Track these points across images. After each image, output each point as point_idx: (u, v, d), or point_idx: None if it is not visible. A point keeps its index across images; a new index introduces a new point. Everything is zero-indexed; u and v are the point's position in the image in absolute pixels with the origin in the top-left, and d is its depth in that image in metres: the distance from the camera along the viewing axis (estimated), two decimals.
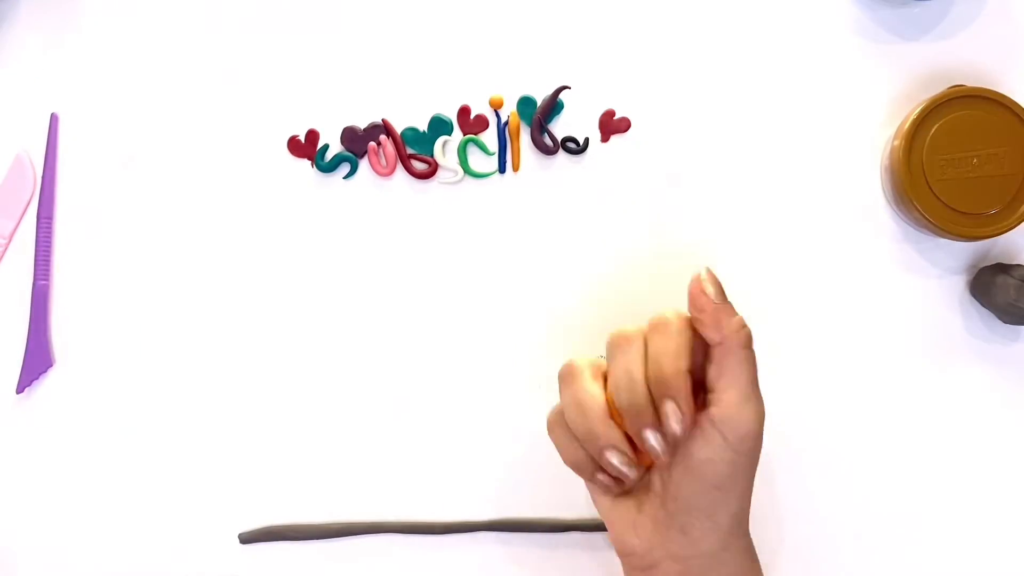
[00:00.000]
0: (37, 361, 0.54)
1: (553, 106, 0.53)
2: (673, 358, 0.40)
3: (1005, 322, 0.52)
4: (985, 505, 0.52)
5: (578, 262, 0.53)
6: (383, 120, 0.54)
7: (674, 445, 0.40)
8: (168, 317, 0.54)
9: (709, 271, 0.42)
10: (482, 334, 0.53)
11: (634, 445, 0.41)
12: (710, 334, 0.41)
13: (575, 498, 0.52)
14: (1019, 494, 0.52)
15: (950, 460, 0.53)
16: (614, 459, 0.41)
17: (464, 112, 0.54)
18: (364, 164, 0.54)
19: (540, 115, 0.53)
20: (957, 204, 0.49)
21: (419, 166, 0.54)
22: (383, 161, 0.54)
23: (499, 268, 0.54)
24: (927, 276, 0.53)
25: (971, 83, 0.51)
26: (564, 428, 0.42)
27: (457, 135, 0.54)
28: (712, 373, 0.41)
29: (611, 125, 0.54)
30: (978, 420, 0.53)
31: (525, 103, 0.54)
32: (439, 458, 0.53)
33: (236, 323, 0.54)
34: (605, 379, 0.42)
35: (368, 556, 0.53)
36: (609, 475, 0.42)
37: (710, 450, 0.40)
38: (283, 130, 0.54)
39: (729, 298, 0.41)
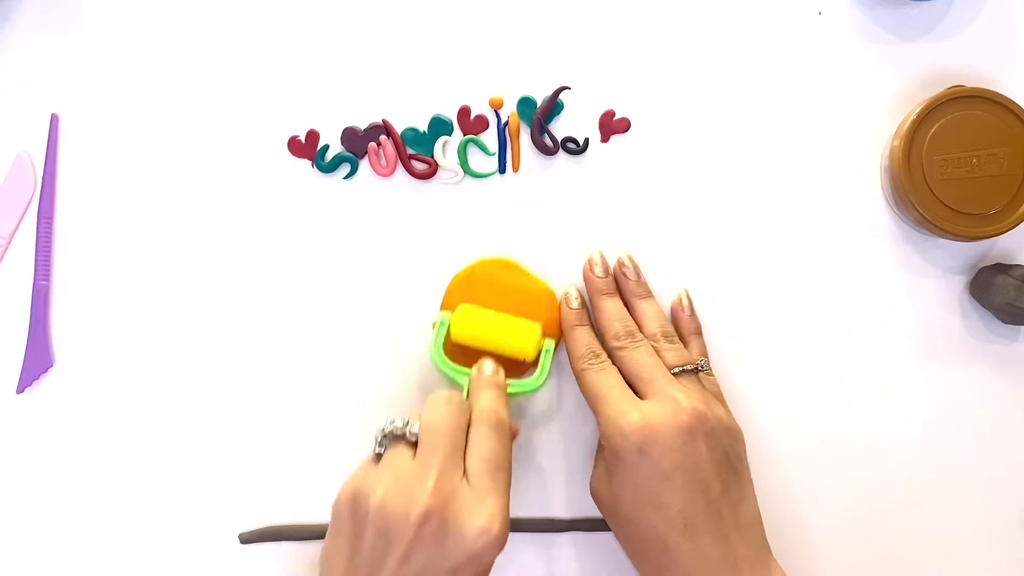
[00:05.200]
0: (37, 361, 0.54)
1: (553, 106, 0.53)
2: None
3: (1004, 322, 0.52)
4: (985, 504, 0.52)
5: (578, 262, 0.53)
6: (383, 120, 0.54)
7: None
8: (168, 317, 0.54)
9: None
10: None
11: None
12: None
13: (575, 498, 0.52)
14: (1019, 493, 0.52)
15: (950, 459, 0.53)
16: None
17: (464, 112, 0.54)
18: (364, 164, 0.54)
19: (540, 115, 0.53)
20: (957, 204, 0.49)
21: (419, 166, 0.54)
22: (383, 161, 0.54)
23: None
24: (927, 276, 0.53)
25: (970, 83, 0.52)
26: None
27: (457, 135, 0.54)
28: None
29: (611, 125, 0.54)
30: (978, 420, 0.53)
31: (525, 103, 0.54)
32: None
33: (236, 323, 0.54)
34: None
35: None
36: None
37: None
38: (283, 130, 0.54)
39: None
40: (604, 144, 0.54)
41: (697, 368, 0.49)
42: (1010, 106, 0.50)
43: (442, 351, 0.50)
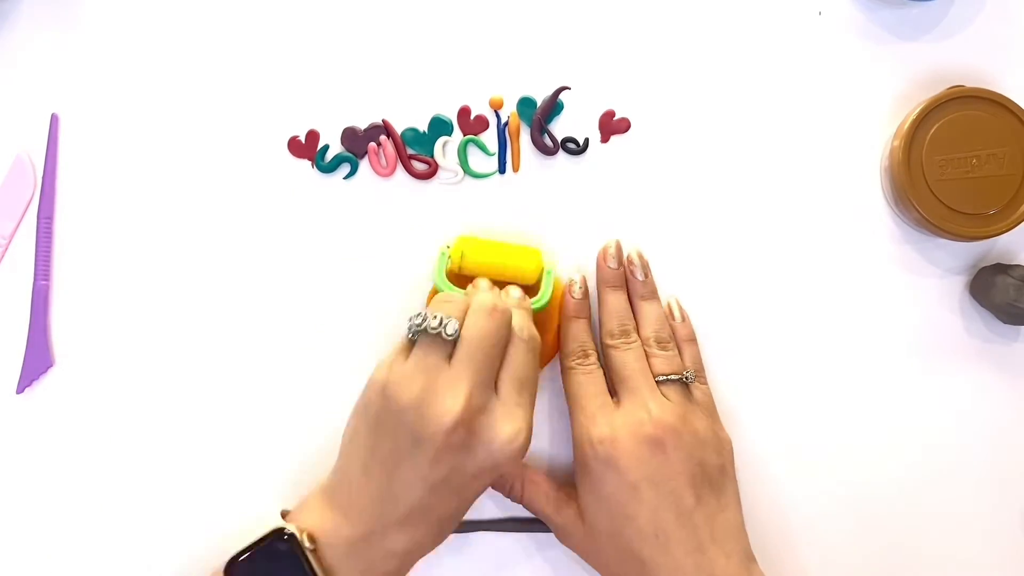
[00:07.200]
0: (37, 361, 0.54)
1: (553, 106, 0.53)
2: None
3: (1004, 322, 0.52)
4: (985, 504, 0.52)
5: (578, 262, 0.53)
6: (383, 120, 0.54)
7: None
8: (168, 317, 0.54)
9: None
10: None
11: None
12: None
13: None
14: (1019, 493, 0.52)
15: (950, 459, 0.53)
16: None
17: (464, 112, 0.54)
18: (364, 164, 0.54)
19: (540, 115, 0.53)
20: (956, 204, 0.49)
21: (419, 166, 0.54)
22: (383, 161, 0.54)
23: None
24: (927, 276, 0.53)
25: (970, 83, 0.52)
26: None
27: (457, 135, 0.54)
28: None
29: (611, 125, 0.54)
30: (978, 420, 0.53)
31: (525, 103, 0.54)
32: None
33: (236, 323, 0.54)
34: None
35: None
36: None
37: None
38: (283, 130, 0.54)
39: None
40: (604, 144, 0.54)
41: (683, 378, 0.49)
42: (1010, 106, 0.50)
43: (445, 278, 0.50)
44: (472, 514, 0.53)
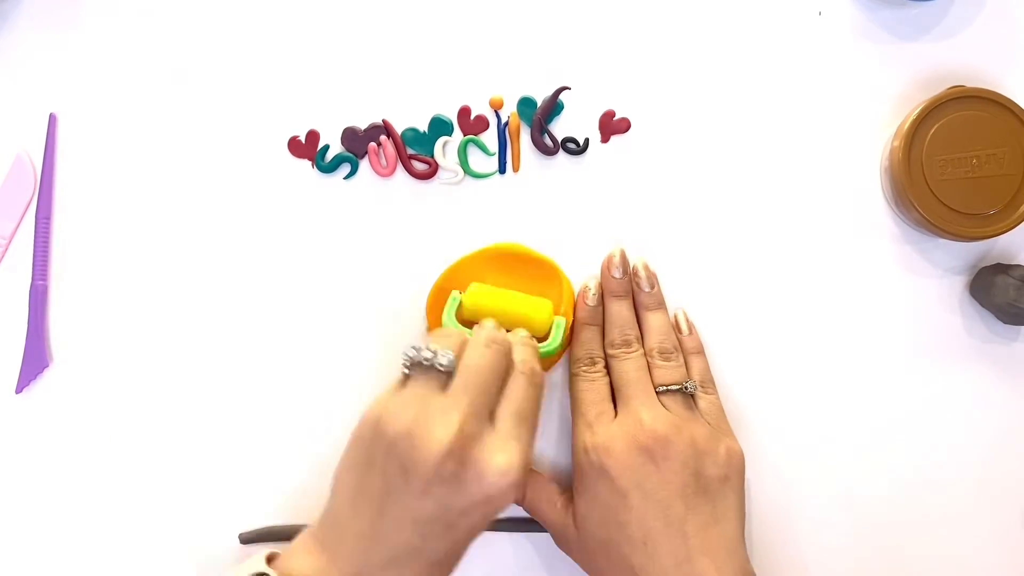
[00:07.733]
0: (35, 361, 0.54)
1: (553, 107, 0.53)
2: None
3: (1004, 322, 0.52)
4: (985, 504, 0.52)
5: (578, 262, 0.53)
6: (383, 120, 0.54)
7: None
8: (167, 317, 0.54)
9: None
10: None
11: None
12: None
13: None
14: (1019, 493, 0.52)
15: (950, 459, 0.53)
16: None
17: (464, 113, 0.54)
18: (364, 164, 0.54)
19: (540, 115, 0.53)
20: (956, 204, 0.50)
21: (419, 166, 0.54)
22: (383, 161, 0.54)
23: None
24: (927, 276, 0.53)
25: (970, 83, 0.52)
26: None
27: (457, 135, 0.54)
28: None
29: (611, 125, 0.54)
30: (978, 420, 0.53)
31: (525, 103, 0.54)
32: None
33: (235, 323, 0.54)
34: None
35: None
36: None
37: None
38: (283, 130, 0.54)
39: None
40: (604, 144, 0.54)
41: (683, 389, 0.49)
42: (1010, 106, 0.50)
43: (455, 320, 0.50)
44: None
